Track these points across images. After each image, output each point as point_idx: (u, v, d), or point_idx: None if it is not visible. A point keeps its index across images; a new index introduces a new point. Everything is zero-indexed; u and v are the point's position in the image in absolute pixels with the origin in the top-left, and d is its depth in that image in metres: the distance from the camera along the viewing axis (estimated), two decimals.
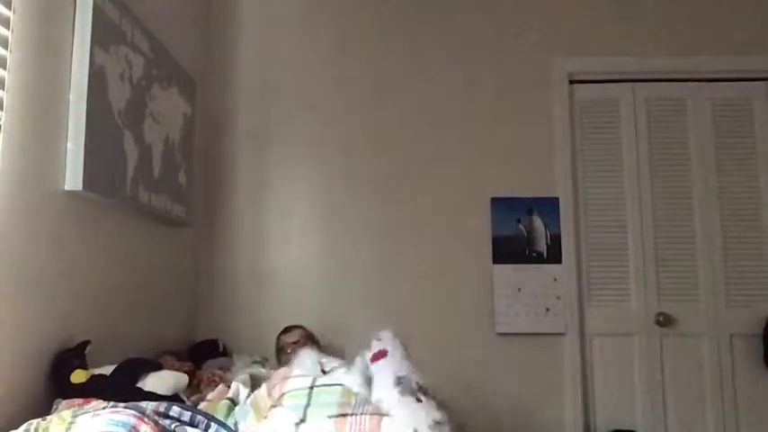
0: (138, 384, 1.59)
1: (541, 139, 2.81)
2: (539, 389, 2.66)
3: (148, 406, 1.28)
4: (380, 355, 1.59)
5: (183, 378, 1.66)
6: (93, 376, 1.53)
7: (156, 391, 1.56)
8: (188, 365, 1.95)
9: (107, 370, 1.59)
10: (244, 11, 2.93)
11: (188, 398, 1.70)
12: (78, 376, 1.50)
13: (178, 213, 2.38)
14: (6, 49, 1.41)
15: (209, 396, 1.68)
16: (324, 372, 1.75)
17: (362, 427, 1.29)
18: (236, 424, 1.46)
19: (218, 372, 2.05)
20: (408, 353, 1.62)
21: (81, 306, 1.71)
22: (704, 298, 2.72)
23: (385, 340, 1.67)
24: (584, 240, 2.78)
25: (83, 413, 1.19)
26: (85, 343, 1.59)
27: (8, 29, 1.42)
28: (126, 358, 1.69)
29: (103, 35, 1.76)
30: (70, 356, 1.55)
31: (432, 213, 2.77)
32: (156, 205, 2.15)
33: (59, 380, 1.51)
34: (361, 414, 1.33)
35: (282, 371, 1.63)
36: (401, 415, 1.33)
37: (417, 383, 1.44)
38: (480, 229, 2.75)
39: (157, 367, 1.69)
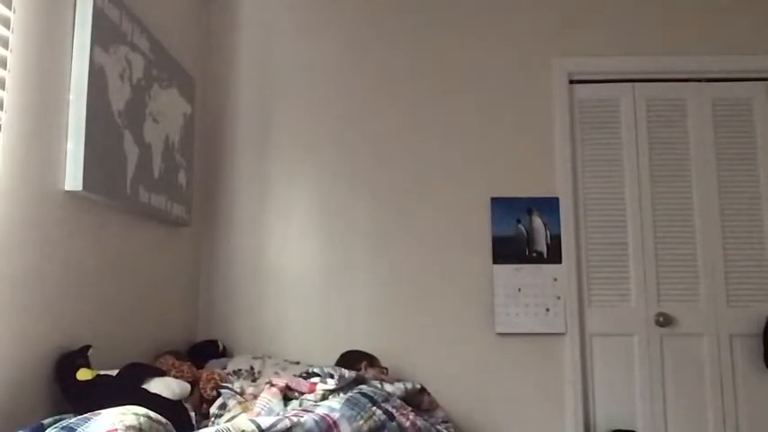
0: (144, 386, 1.60)
1: (541, 139, 2.81)
2: (539, 389, 2.66)
3: None
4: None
5: (186, 386, 1.69)
6: (99, 375, 1.54)
7: (161, 394, 1.58)
8: (188, 365, 1.95)
9: (111, 372, 1.61)
10: (243, 11, 2.93)
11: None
12: (84, 374, 1.51)
13: (178, 213, 2.38)
14: (6, 49, 1.42)
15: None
16: None
17: None
18: None
19: (218, 371, 2.06)
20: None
21: (81, 306, 1.71)
22: (704, 298, 2.72)
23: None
24: (584, 240, 2.78)
25: None
26: (87, 347, 1.60)
27: (8, 29, 1.42)
28: (129, 362, 1.71)
29: (103, 35, 1.77)
30: (74, 357, 1.56)
31: (432, 213, 2.77)
32: (156, 205, 2.16)
33: (65, 378, 1.52)
34: None
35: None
36: None
37: None
38: (480, 229, 2.75)
39: (161, 373, 1.71)
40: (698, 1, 2.89)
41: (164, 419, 1.25)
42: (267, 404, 1.71)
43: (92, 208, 1.77)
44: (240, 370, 2.28)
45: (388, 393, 1.73)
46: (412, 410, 1.72)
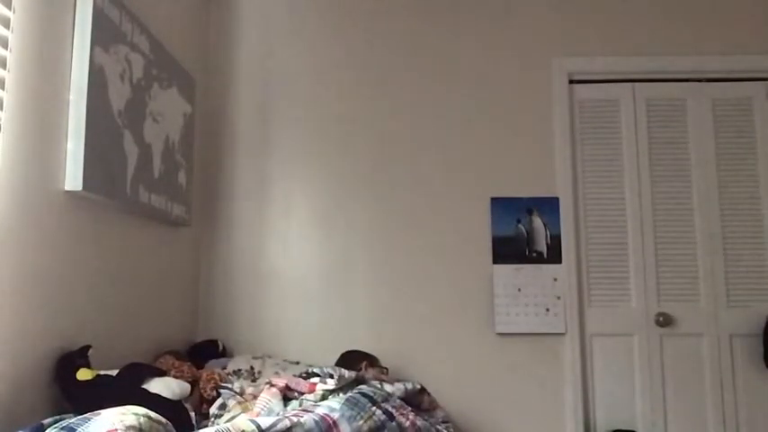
0: (144, 386, 1.61)
1: (541, 139, 2.81)
2: (539, 389, 2.66)
3: None
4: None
5: (186, 386, 1.69)
6: (99, 375, 1.54)
7: (161, 394, 1.58)
8: (188, 365, 1.95)
9: (111, 372, 1.61)
10: (243, 11, 2.93)
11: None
12: (84, 374, 1.52)
13: (178, 213, 2.38)
14: (6, 49, 1.42)
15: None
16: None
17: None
18: None
19: (218, 371, 2.06)
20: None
21: (81, 306, 1.71)
22: (704, 298, 2.72)
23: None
24: (584, 240, 2.78)
25: None
26: (87, 347, 1.61)
27: (8, 29, 1.42)
28: (129, 362, 1.71)
29: (103, 35, 1.77)
30: (74, 357, 1.56)
31: (432, 213, 2.77)
32: (156, 205, 2.16)
33: (65, 378, 1.52)
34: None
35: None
36: None
37: None
38: (480, 229, 2.75)
39: (161, 373, 1.71)
40: (698, 1, 2.89)
41: (164, 419, 1.25)
42: (267, 404, 1.71)
43: (92, 208, 1.77)
44: (240, 370, 2.28)
45: (388, 393, 1.73)
46: (412, 410, 1.72)
